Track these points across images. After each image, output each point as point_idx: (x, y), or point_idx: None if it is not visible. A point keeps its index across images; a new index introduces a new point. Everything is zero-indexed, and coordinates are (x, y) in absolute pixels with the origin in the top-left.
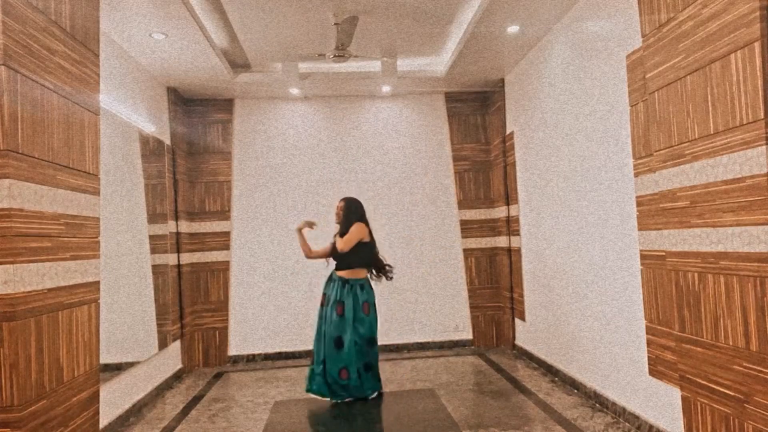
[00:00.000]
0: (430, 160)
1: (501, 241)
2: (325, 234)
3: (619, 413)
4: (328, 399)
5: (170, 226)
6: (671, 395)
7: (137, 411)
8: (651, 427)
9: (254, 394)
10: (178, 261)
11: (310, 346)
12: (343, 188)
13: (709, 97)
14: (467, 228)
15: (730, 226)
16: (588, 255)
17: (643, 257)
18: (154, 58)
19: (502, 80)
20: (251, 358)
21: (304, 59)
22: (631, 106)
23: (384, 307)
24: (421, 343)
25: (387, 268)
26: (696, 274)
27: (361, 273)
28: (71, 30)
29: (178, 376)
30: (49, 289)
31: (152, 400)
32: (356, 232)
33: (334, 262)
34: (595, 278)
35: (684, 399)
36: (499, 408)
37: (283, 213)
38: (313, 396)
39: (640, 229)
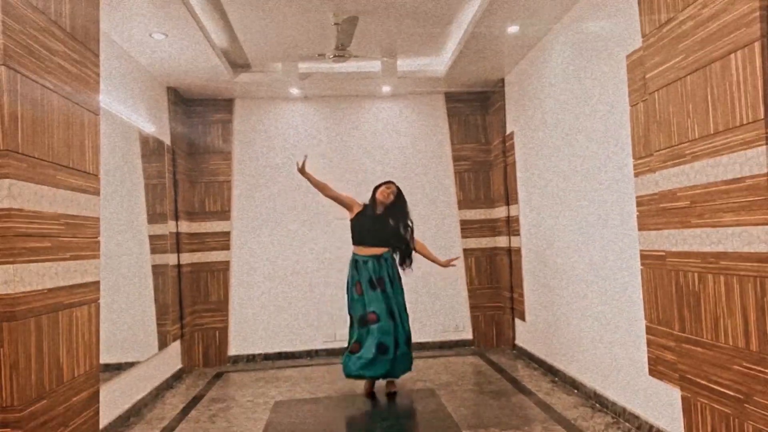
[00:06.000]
0: (430, 160)
1: (501, 241)
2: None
3: (619, 413)
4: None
5: (170, 226)
6: (671, 395)
7: (137, 411)
8: (651, 427)
9: (254, 394)
10: (178, 261)
11: (310, 346)
12: (344, 188)
13: (709, 97)
14: (467, 228)
15: (730, 226)
16: (588, 255)
17: (643, 257)
18: (154, 58)
19: (502, 80)
20: (251, 358)
21: (304, 59)
22: (631, 106)
23: None
24: (421, 343)
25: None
26: (696, 274)
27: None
28: (71, 30)
29: (178, 376)
30: (49, 289)
31: (152, 400)
32: None
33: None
34: (595, 278)
35: (684, 399)
36: (499, 408)
37: (283, 213)
38: (311, 396)
39: (640, 229)
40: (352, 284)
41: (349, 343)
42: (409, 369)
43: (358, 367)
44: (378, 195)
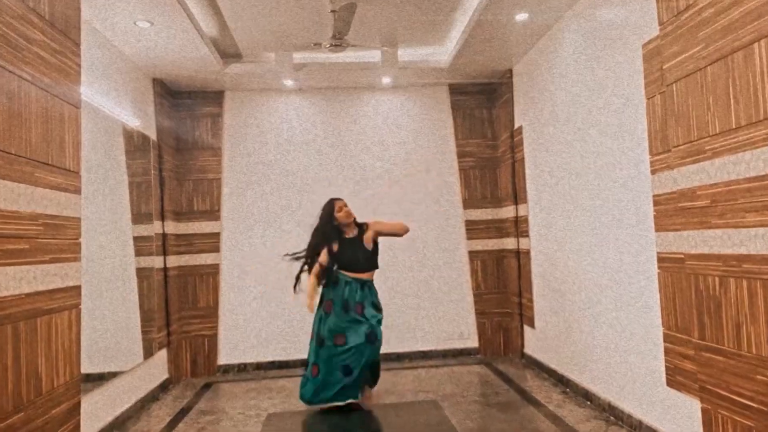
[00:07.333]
0: (433, 157)
1: (509, 243)
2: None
3: (635, 426)
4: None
5: (156, 227)
6: (690, 407)
7: (121, 424)
8: None
9: (245, 405)
10: (165, 264)
11: (304, 355)
12: (341, 186)
13: (731, 89)
14: (473, 229)
15: (754, 226)
16: (602, 258)
17: (660, 260)
18: (139, 47)
19: (510, 71)
20: (242, 368)
21: (299, 49)
22: (648, 98)
23: (384, 313)
24: (423, 352)
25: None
26: (717, 278)
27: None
28: (50, 18)
29: (164, 387)
30: (27, 294)
31: (137, 412)
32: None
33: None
34: (609, 282)
35: (704, 411)
36: (506, 421)
37: (276, 212)
38: (306, 408)
39: (657, 230)
40: (324, 300)
41: (308, 362)
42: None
43: (320, 395)
44: (341, 218)
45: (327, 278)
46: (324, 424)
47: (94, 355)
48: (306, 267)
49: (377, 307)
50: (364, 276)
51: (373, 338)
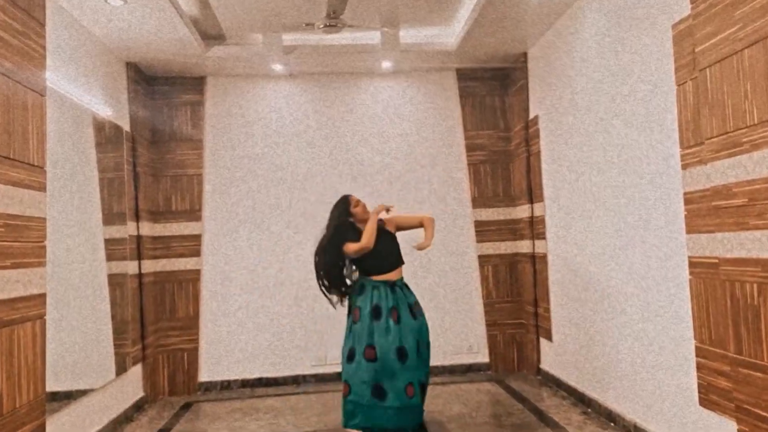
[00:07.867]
0: (439, 150)
1: (523, 246)
2: None
3: None
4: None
5: (130, 228)
6: (726, 429)
7: None
8: None
9: (230, 427)
10: (139, 269)
11: (295, 371)
12: (336, 183)
13: None
14: (483, 230)
15: None
16: (627, 263)
17: (692, 265)
18: (111, 28)
19: (525, 55)
20: (226, 386)
21: (289, 30)
22: (678, 85)
23: None
24: None
25: None
26: (755, 285)
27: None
28: None
29: (139, 407)
30: None
31: None
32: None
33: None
34: (635, 290)
35: None
36: None
37: (263, 212)
38: (297, 430)
39: (688, 232)
40: (352, 308)
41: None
42: (417, 422)
43: (350, 417)
44: (360, 213)
45: (346, 285)
46: None
47: (60, 372)
48: (324, 285)
49: (414, 312)
50: (392, 276)
51: (403, 356)
